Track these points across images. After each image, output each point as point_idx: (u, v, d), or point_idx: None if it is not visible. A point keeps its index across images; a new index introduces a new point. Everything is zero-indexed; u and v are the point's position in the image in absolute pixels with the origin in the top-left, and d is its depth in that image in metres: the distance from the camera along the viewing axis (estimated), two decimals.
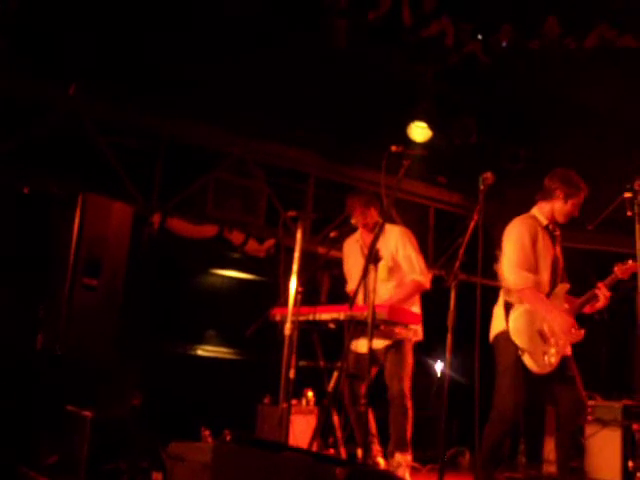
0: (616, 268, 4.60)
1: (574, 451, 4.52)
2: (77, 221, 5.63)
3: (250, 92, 6.76)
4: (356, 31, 7.88)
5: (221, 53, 6.61)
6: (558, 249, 4.80)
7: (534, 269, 4.58)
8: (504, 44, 8.65)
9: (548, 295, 4.62)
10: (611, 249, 7.48)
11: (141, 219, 6.50)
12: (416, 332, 5.29)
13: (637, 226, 3.54)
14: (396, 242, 5.28)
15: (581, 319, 4.70)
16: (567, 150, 7.21)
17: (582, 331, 4.55)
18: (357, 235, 5.51)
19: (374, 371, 5.31)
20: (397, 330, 5.08)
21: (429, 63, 8.13)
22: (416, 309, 5.36)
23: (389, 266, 5.24)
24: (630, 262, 4.51)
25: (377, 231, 4.48)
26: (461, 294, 4.18)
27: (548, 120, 7.83)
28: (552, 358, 4.48)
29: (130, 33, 6.34)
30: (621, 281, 4.60)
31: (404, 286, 5.25)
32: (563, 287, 4.71)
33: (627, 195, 3.57)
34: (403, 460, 5.11)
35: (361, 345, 5.07)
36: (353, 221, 5.32)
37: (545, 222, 4.73)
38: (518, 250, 4.59)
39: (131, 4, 6.33)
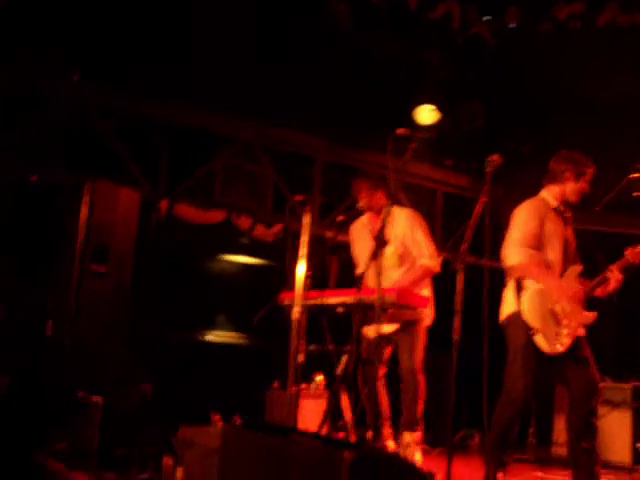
0: (627, 252, 4.57)
1: (586, 432, 4.51)
2: (85, 208, 5.66)
3: (255, 77, 6.74)
4: (361, 14, 7.83)
5: (226, 38, 6.58)
6: (569, 230, 4.78)
7: (537, 248, 4.56)
8: (511, 26, 8.58)
9: (560, 277, 4.61)
10: (619, 230, 7.45)
11: (148, 205, 6.51)
12: (429, 314, 5.29)
13: None
14: (404, 226, 5.25)
15: (590, 301, 4.69)
16: (574, 133, 7.16)
17: (594, 313, 4.54)
18: (364, 219, 5.48)
19: (388, 353, 5.32)
20: (408, 312, 5.08)
21: (435, 46, 8.08)
22: (427, 292, 5.35)
23: (399, 253, 5.21)
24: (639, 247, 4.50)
25: (385, 215, 4.46)
26: (469, 277, 4.18)
27: (555, 103, 7.78)
28: (565, 339, 4.46)
29: (136, 19, 6.32)
30: (632, 265, 4.58)
31: (414, 270, 5.23)
32: (575, 269, 4.68)
33: (634, 175, 3.55)
34: (412, 439, 5.12)
35: (371, 330, 5.07)
36: (360, 204, 5.30)
37: (555, 204, 4.71)
38: (522, 229, 4.56)
39: None
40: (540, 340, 4.45)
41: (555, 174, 4.73)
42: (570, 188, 4.70)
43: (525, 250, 4.52)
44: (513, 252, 4.54)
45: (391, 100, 7.21)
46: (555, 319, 4.50)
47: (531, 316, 4.49)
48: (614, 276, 4.54)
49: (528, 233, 4.55)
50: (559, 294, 4.51)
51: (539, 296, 4.53)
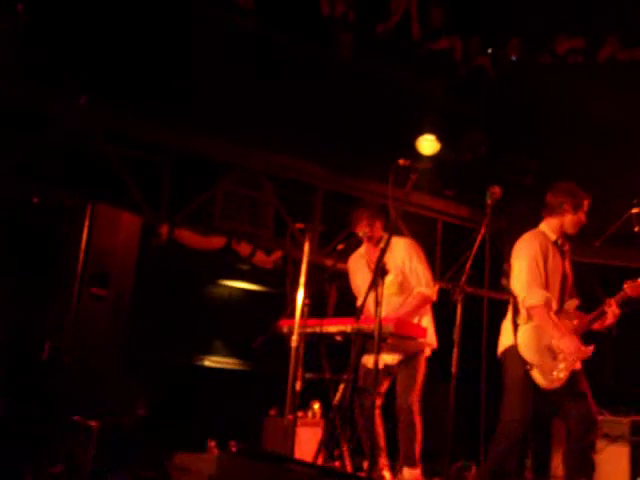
0: (626, 285, 4.58)
1: (584, 467, 4.48)
2: (86, 231, 5.67)
3: (258, 105, 6.79)
4: (364, 44, 7.91)
5: (229, 66, 6.64)
6: (567, 264, 4.79)
7: (544, 285, 4.57)
8: (513, 58, 8.67)
9: (557, 311, 4.60)
10: (618, 263, 7.46)
11: (149, 230, 6.52)
12: (429, 344, 5.29)
13: None
14: (403, 255, 5.26)
15: (589, 334, 4.68)
16: (576, 164, 7.21)
17: (591, 347, 4.53)
18: (361, 250, 5.50)
19: (387, 384, 5.30)
20: (413, 343, 5.08)
21: (438, 77, 8.15)
22: (427, 321, 5.35)
23: (399, 280, 5.22)
24: (639, 280, 4.50)
25: (384, 244, 4.48)
26: (469, 307, 4.18)
27: (557, 134, 7.83)
28: (561, 373, 4.46)
29: (140, 46, 6.38)
30: (631, 298, 4.58)
31: (411, 299, 5.24)
32: (572, 303, 4.69)
33: (635, 211, 3.57)
34: (411, 476, 5.10)
35: (370, 359, 5.06)
36: (360, 233, 5.31)
37: (554, 237, 4.73)
38: (532, 267, 4.56)
39: (140, 18, 6.37)
40: (536, 375, 4.45)
41: (553, 207, 4.75)
42: (569, 220, 4.72)
43: (542, 293, 4.51)
44: (530, 294, 4.53)
45: (393, 130, 7.26)
46: (552, 354, 4.50)
47: (528, 351, 4.49)
48: (612, 310, 4.55)
49: (539, 272, 4.56)
50: (560, 347, 4.50)
51: (536, 331, 4.54)
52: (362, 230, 5.29)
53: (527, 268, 4.57)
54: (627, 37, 8.26)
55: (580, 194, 4.72)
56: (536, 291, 4.51)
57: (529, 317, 4.56)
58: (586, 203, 4.72)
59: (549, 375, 4.45)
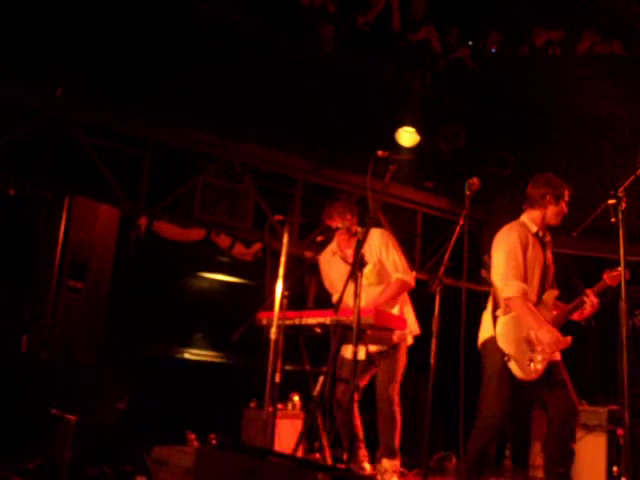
0: (605, 275, 4.61)
1: (563, 456, 4.51)
2: (63, 223, 5.61)
3: (237, 96, 6.75)
4: (344, 36, 7.89)
5: (208, 58, 6.60)
6: (549, 255, 4.81)
7: (524, 277, 4.58)
8: (493, 50, 8.69)
9: (536, 302, 4.62)
10: (595, 254, 7.52)
11: (128, 222, 6.48)
12: (410, 332, 5.31)
13: (621, 232, 3.55)
14: (378, 244, 5.29)
15: (568, 325, 4.71)
16: (555, 156, 7.24)
17: (569, 338, 4.55)
18: (333, 246, 5.51)
19: (367, 379, 5.31)
20: (393, 335, 5.10)
21: (417, 68, 8.15)
22: (408, 309, 5.38)
23: (377, 270, 5.25)
24: (619, 269, 4.51)
25: (362, 236, 4.48)
26: (448, 299, 4.19)
27: (536, 126, 7.86)
28: (538, 365, 4.49)
29: (117, 37, 6.32)
30: (610, 288, 4.61)
31: (389, 286, 5.26)
32: (552, 293, 4.71)
33: (611, 202, 3.58)
34: (390, 466, 5.12)
35: (349, 350, 5.07)
36: (339, 225, 5.31)
37: (535, 229, 4.74)
38: (510, 259, 4.58)
39: (118, 9, 6.31)
40: (514, 366, 4.47)
41: (535, 199, 4.76)
42: (551, 211, 4.74)
43: (518, 284, 4.53)
44: (507, 285, 4.55)
45: (373, 122, 7.25)
46: (529, 346, 4.52)
47: (505, 342, 4.52)
48: (590, 300, 4.58)
49: (517, 263, 4.57)
50: (538, 338, 4.51)
51: (514, 322, 4.56)
52: (335, 224, 5.30)
53: (505, 260, 4.59)
54: (605, 30, 8.30)
55: (561, 185, 4.75)
56: (513, 283, 4.53)
57: (507, 309, 4.58)
58: (567, 193, 4.75)
59: (526, 367, 4.47)
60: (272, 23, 7.18)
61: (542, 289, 4.69)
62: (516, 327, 4.54)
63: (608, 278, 4.59)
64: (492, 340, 4.56)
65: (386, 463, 5.10)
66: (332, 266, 5.50)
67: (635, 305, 7.42)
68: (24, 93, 6.17)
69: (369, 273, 5.12)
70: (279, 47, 7.13)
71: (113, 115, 6.55)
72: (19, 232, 5.85)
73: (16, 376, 5.06)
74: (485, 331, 4.68)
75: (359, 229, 5.33)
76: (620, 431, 6.17)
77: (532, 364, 4.47)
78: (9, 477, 4.42)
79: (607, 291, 4.61)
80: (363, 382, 5.23)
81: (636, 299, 7.08)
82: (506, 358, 4.47)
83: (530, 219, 4.77)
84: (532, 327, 4.50)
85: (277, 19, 7.27)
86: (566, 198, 4.75)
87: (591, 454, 6.38)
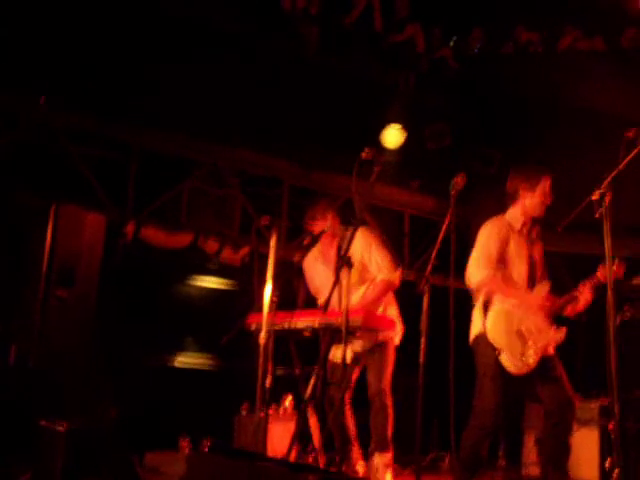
0: (599, 270, 4.57)
1: (560, 451, 4.52)
2: (50, 232, 5.59)
3: (222, 100, 6.74)
4: (328, 36, 7.89)
5: (193, 62, 6.59)
6: (536, 250, 4.79)
7: (497, 268, 4.58)
8: (475, 49, 8.71)
9: None
10: (583, 251, 7.53)
11: (115, 229, 6.46)
12: (397, 332, 5.31)
13: (606, 226, 3.56)
14: (361, 244, 5.27)
15: (558, 319, 4.71)
16: (540, 153, 7.26)
17: (563, 330, 4.55)
18: (315, 252, 5.51)
19: (356, 375, 5.31)
20: (379, 334, 5.09)
21: (401, 68, 8.16)
22: (393, 310, 5.37)
23: (359, 270, 5.24)
24: (614, 265, 4.46)
25: (347, 237, 4.48)
26: (437, 298, 4.19)
27: (521, 123, 7.88)
28: (530, 359, 4.48)
29: (101, 43, 6.31)
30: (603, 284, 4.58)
31: (374, 286, 5.26)
32: (543, 287, 4.70)
33: (595, 197, 3.59)
34: (382, 461, 5.11)
35: (337, 353, 5.06)
36: (320, 229, 5.29)
37: (518, 225, 4.74)
38: (483, 249, 4.61)
39: (101, 16, 6.29)
40: (505, 360, 4.46)
41: (511, 194, 4.78)
42: (528, 203, 4.72)
43: (486, 269, 4.54)
44: (475, 271, 4.57)
45: (358, 123, 7.25)
46: (521, 339, 4.52)
47: (496, 336, 4.51)
48: (583, 295, 4.56)
49: (489, 252, 4.59)
50: (525, 305, 4.53)
51: (504, 316, 4.56)
52: (317, 228, 5.30)
53: (478, 251, 4.61)
54: (586, 26, 8.34)
55: (533, 175, 4.71)
56: (480, 270, 4.53)
57: (487, 297, 4.58)
58: (543, 183, 4.69)
59: (518, 361, 4.47)
60: (256, 26, 7.18)
61: (531, 284, 4.69)
62: (506, 321, 4.54)
63: (601, 274, 4.55)
64: (483, 335, 4.56)
65: (377, 458, 5.08)
66: (314, 271, 5.50)
67: (624, 299, 7.44)
68: (7, 101, 6.14)
69: (352, 274, 5.11)
70: (263, 50, 7.13)
71: (98, 122, 6.53)
72: (5, 241, 5.82)
73: (4, 387, 5.03)
74: (476, 327, 4.68)
75: (342, 230, 5.32)
76: (610, 425, 6.18)
77: (524, 358, 4.47)
78: None
79: (600, 286, 4.57)
80: (352, 379, 5.23)
81: (625, 293, 7.10)
82: (497, 352, 4.46)
83: (513, 215, 4.78)
84: (514, 296, 4.50)
85: (261, 22, 7.28)
86: (544, 187, 4.69)
87: (584, 448, 6.39)
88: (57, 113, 6.35)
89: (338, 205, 5.42)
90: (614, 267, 4.44)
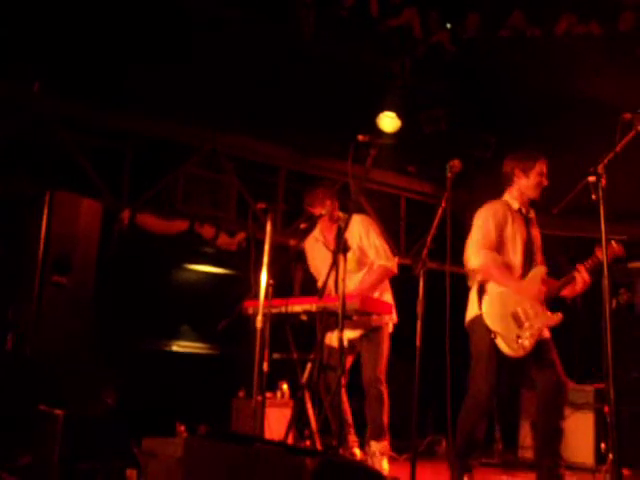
0: (597, 250, 4.55)
1: (553, 435, 4.53)
2: (45, 219, 5.57)
3: (218, 85, 6.72)
4: (324, 22, 7.86)
5: (187, 47, 6.56)
6: (534, 232, 4.80)
7: (496, 249, 4.60)
8: (472, 33, 8.67)
9: (522, 278, 4.63)
10: (579, 234, 7.54)
11: (111, 216, 6.45)
12: (392, 317, 5.32)
13: (601, 209, 3.56)
14: (359, 231, 5.29)
15: (553, 304, 4.71)
16: (536, 136, 7.25)
17: (559, 314, 4.56)
18: (316, 233, 5.51)
19: (350, 361, 5.33)
20: (374, 318, 5.10)
21: (397, 53, 8.13)
22: (388, 297, 5.38)
23: (357, 256, 5.25)
24: (613, 243, 4.46)
25: (344, 222, 4.48)
26: (434, 282, 4.19)
27: (517, 107, 7.87)
28: (526, 341, 4.48)
29: (95, 30, 6.28)
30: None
31: (372, 273, 5.27)
32: (540, 270, 4.70)
33: (591, 179, 3.59)
34: (378, 448, 5.13)
35: (333, 338, 5.07)
36: (323, 212, 5.32)
37: (516, 205, 4.75)
38: (481, 231, 4.62)
39: (95, 2, 6.26)
40: (501, 343, 4.48)
41: (507, 176, 4.80)
42: (524, 185, 4.74)
43: (485, 252, 4.56)
44: (474, 254, 4.58)
45: (355, 108, 7.24)
46: (517, 322, 4.52)
47: (491, 319, 4.52)
48: (582, 276, 4.54)
49: (487, 235, 4.60)
50: (520, 295, 4.54)
51: (500, 299, 4.57)
52: (317, 211, 5.31)
53: (477, 233, 4.62)
54: (583, 11, 8.30)
55: (528, 157, 4.73)
56: (482, 251, 4.54)
57: (483, 280, 4.59)
58: (538, 164, 4.70)
59: (514, 343, 4.48)
60: (254, 11, 7.15)
61: (528, 266, 4.69)
62: (502, 304, 4.55)
63: (601, 253, 4.52)
64: (479, 318, 4.57)
65: (374, 445, 5.11)
66: (315, 252, 5.51)
67: (619, 284, 7.46)
68: (1, 90, 6.12)
69: (348, 260, 5.12)
70: (260, 36, 7.10)
71: (93, 108, 6.52)
72: (1, 229, 5.81)
73: (2, 374, 5.04)
74: (471, 310, 4.69)
75: (341, 215, 5.33)
76: (606, 408, 6.20)
77: (520, 340, 4.48)
78: (0, 475, 4.40)
79: (599, 267, 4.53)
80: (347, 365, 5.25)
81: (620, 277, 7.12)
82: (493, 335, 4.48)
83: (510, 197, 4.80)
84: (509, 286, 4.51)
85: (258, 8, 7.24)
86: (539, 170, 4.70)
87: (579, 432, 6.43)
88: (52, 100, 6.34)
89: (336, 190, 5.39)
90: (615, 246, 4.46)
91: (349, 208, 4.61)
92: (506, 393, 5.25)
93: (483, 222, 4.65)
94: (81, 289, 5.71)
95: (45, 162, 6.30)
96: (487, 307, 4.56)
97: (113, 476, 4.51)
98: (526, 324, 4.51)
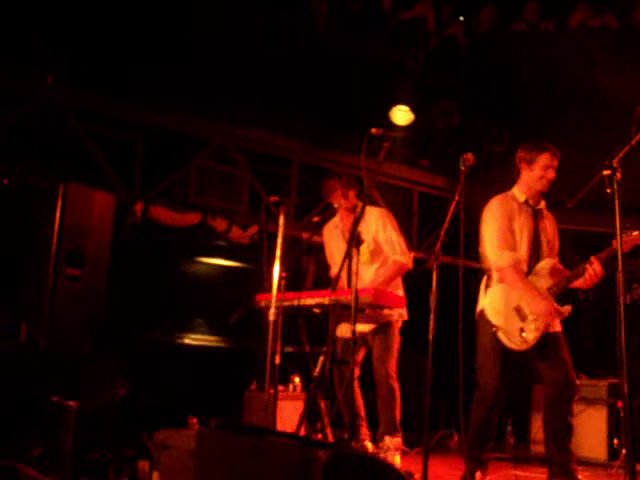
0: (614, 242, 4.44)
1: (562, 430, 4.51)
2: (59, 211, 5.59)
3: (230, 78, 6.72)
4: (338, 15, 7.85)
5: (200, 39, 6.56)
6: (542, 224, 4.75)
7: (513, 247, 4.58)
8: (486, 26, 8.64)
9: (528, 272, 4.60)
10: (593, 229, 7.50)
11: (123, 208, 6.46)
12: (402, 314, 5.31)
13: (617, 203, 3.53)
14: (376, 224, 5.28)
15: (564, 298, 4.68)
16: (550, 130, 7.21)
17: (569, 307, 4.52)
18: (336, 220, 5.51)
19: (362, 354, 5.33)
20: (384, 312, 5.09)
21: (411, 46, 8.11)
22: (400, 293, 5.36)
23: (371, 249, 5.24)
24: (631, 233, 4.29)
25: (358, 214, 4.47)
26: (447, 276, 4.18)
27: (530, 101, 7.83)
28: (530, 335, 4.46)
29: (108, 21, 6.28)
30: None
31: (386, 267, 5.26)
32: (547, 263, 4.66)
33: (606, 172, 3.56)
34: (392, 443, 5.13)
35: (346, 330, 5.07)
36: (335, 204, 5.32)
37: (523, 198, 4.72)
38: (497, 230, 4.59)
39: None
40: (503, 337, 4.47)
41: (516, 169, 4.78)
42: (529, 177, 4.71)
43: (509, 254, 4.53)
44: (496, 256, 4.55)
45: (367, 101, 7.22)
46: (520, 315, 4.50)
47: (493, 313, 4.53)
48: (594, 267, 4.44)
49: (504, 234, 4.58)
50: (531, 308, 4.49)
51: (503, 293, 4.55)
52: (337, 200, 5.30)
53: (494, 231, 4.59)
54: (597, 3, 8.26)
55: (532, 149, 4.68)
56: (505, 253, 4.52)
57: (500, 280, 4.59)
58: (544, 157, 4.64)
59: (516, 337, 4.46)
60: (268, 3, 7.14)
61: (534, 258, 4.65)
62: (504, 298, 4.54)
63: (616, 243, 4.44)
64: (483, 312, 4.60)
65: (388, 440, 5.11)
66: (333, 239, 5.51)
67: (634, 279, 7.41)
68: (15, 81, 6.13)
69: (362, 252, 5.11)
70: (272, 27, 7.09)
71: (106, 100, 6.52)
72: (15, 221, 5.84)
73: (16, 365, 5.07)
74: (479, 304, 4.70)
75: (360, 205, 5.31)
76: (620, 403, 6.17)
77: (524, 334, 4.46)
78: (13, 466, 4.42)
79: (613, 260, 4.45)
80: (359, 358, 5.25)
81: (634, 272, 7.07)
82: (494, 329, 4.48)
83: (518, 189, 4.78)
84: (524, 297, 4.49)
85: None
86: (545, 162, 4.63)
87: (592, 427, 6.40)
88: (65, 92, 6.34)
89: (354, 182, 5.37)
90: (635, 235, 4.34)
91: (362, 201, 4.59)
92: (516, 386, 5.22)
93: (494, 219, 4.62)
94: (94, 281, 5.73)
95: (59, 154, 6.31)
96: (489, 301, 4.58)
97: (125, 467, 4.54)
98: (530, 317, 4.48)
